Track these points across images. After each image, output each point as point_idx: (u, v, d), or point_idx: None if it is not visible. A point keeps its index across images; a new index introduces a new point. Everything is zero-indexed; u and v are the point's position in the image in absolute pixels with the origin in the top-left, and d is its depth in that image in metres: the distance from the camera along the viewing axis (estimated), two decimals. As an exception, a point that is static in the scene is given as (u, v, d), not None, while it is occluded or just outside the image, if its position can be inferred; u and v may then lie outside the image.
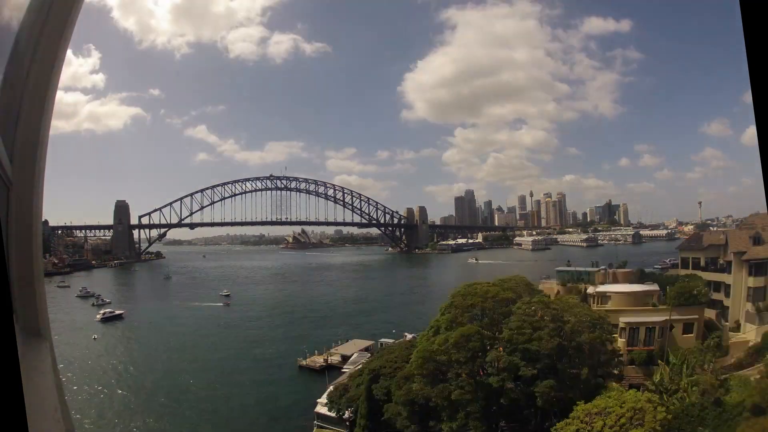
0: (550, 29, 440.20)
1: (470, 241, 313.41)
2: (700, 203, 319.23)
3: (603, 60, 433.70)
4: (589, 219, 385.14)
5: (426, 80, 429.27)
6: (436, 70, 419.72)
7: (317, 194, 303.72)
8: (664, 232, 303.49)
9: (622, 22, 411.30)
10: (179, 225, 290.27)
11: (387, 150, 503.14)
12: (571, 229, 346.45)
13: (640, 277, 52.39)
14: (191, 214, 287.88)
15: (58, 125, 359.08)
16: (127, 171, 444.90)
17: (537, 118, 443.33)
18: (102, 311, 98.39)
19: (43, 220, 3.64)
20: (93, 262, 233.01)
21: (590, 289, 48.22)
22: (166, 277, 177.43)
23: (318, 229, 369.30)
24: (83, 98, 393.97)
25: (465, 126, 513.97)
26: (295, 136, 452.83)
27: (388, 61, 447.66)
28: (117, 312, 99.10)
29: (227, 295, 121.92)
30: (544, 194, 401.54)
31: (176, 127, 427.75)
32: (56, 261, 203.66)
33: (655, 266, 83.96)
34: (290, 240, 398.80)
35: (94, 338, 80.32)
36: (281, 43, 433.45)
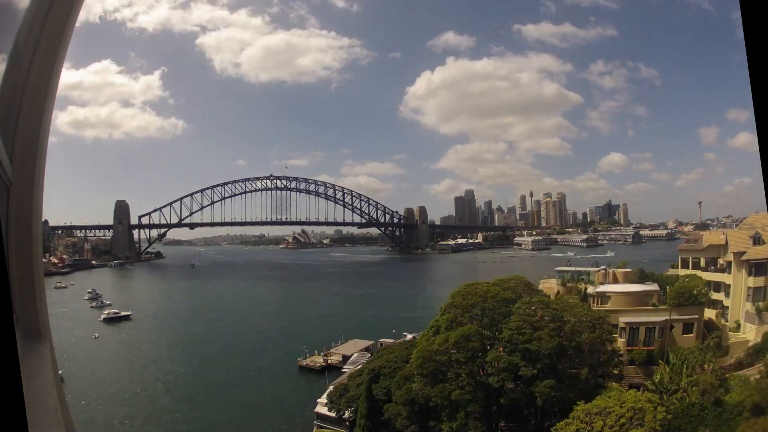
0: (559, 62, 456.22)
1: (470, 241, 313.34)
2: (700, 203, 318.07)
3: (608, 91, 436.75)
4: (589, 219, 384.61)
5: (439, 91, 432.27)
6: (452, 83, 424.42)
7: (317, 194, 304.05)
8: (664, 232, 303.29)
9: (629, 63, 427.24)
10: (179, 225, 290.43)
11: (395, 154, 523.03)
12: (571, 229, 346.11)
13: (640, 277, 52.34)
14: (191, 214, 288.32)
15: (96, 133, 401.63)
16: (161, 175, 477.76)
17: (541, 127, 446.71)
18: (106, 312, 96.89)
19: (43, 220, 3.64)
20: (93, 262, 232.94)
21: (590, 289, 48.18)
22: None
23: (318, 229, 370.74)
24: (133, 112, 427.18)
25: (468, 133, 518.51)
26: (319, 146, 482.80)
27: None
28: (123, 313, 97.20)
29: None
30: (544, 194, 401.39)
31: (222, 139, 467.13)
32: (56, 261, 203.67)
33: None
34: (290, 240, 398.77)
35: (95, 337, 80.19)
36: (341, 79, 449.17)
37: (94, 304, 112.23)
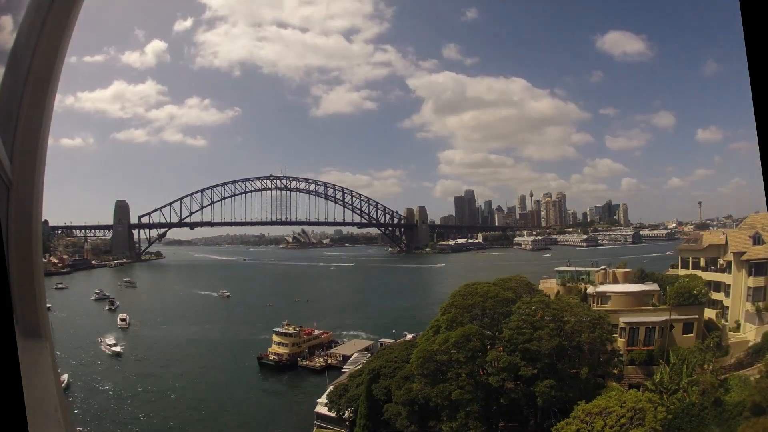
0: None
1: (470, 241, 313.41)
2: (700, 203, 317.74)
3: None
4: (589, 219, 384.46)
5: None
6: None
7: (317, 194, 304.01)
8: (664, 232, 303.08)
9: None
10: (179, 225, 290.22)
11: (400, 158, 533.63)
12: (571, 229, 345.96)
13: (640, 277, 52.33)
14: (191, 214, 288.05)
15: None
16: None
17: (545, 133, 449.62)
18: (125, 318, 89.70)
19: (43, 220, 3.64)
20: (93, 262, 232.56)
21: (590, 289, 48.18)
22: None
23: (318, 229, 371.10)
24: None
25: (470, 136, 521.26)
26: (343, 154, 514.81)
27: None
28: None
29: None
30: (544, 194, 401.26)
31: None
32: (56, 261, 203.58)
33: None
34: (290, 240, 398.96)
35: (100, 341, 78.81)
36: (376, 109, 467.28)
37: (108, 307, 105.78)
